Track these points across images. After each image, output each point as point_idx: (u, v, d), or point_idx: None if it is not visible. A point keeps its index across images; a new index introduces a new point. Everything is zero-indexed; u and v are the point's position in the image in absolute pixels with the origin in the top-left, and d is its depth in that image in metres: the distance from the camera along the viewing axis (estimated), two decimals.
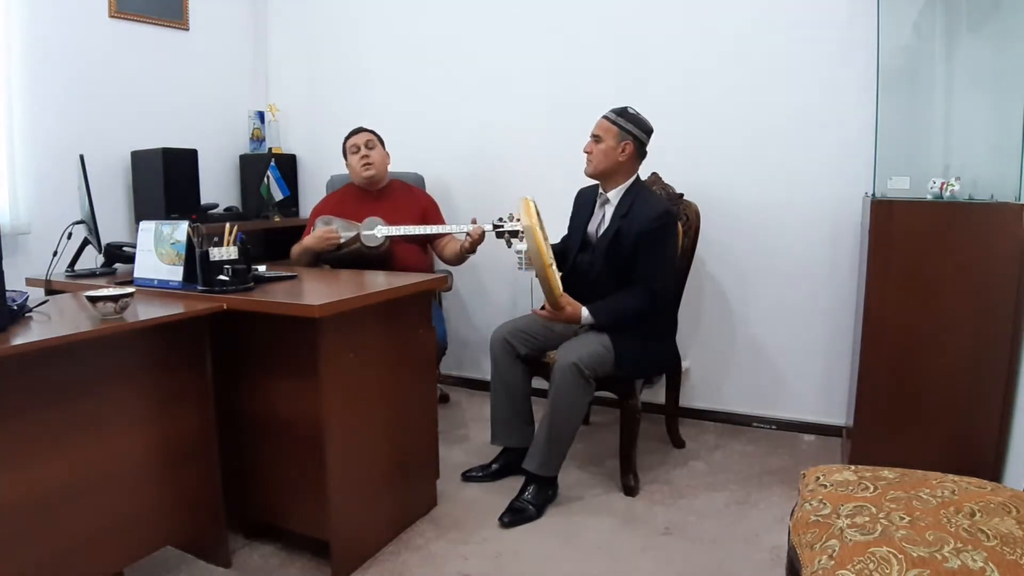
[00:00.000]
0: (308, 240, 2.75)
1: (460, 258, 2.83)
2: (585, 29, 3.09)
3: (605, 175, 2.38)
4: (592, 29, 3.08)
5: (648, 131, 2.37)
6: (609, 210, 2.40)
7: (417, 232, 2.73)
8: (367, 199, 2.89)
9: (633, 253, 2.29)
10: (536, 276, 2.22)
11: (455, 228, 2.75)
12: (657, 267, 2.30)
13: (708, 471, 2.56)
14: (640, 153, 2.37)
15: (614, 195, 2.39)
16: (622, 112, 2.35)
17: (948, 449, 2.13)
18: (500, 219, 2.63)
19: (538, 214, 2.24)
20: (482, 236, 2.67)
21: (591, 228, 2.46)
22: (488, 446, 2.55)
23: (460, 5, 3.35)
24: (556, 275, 2.25)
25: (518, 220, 2.60)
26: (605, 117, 2.37)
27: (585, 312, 2.28)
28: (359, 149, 2.85)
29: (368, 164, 2.84)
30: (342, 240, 2.70)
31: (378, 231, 2.71)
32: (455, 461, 2.60)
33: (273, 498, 2.00)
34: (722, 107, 2.88)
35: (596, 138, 2.36)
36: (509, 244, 2.64)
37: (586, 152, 2.38)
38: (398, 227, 2.71)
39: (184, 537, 1.93)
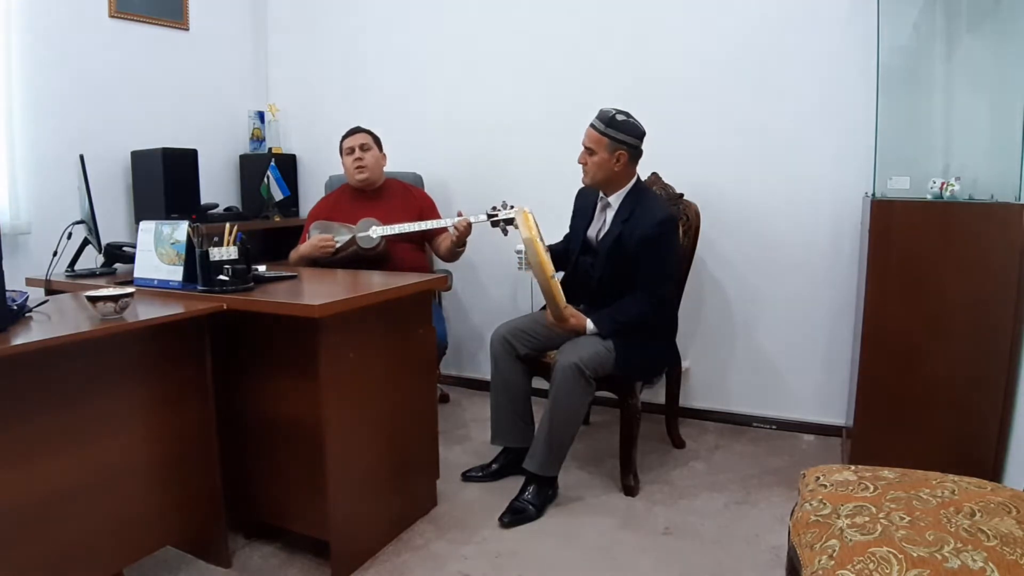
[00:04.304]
0: (304, 248, 2.76)
1: (452, 254, 2.83)
2: (585, 29, 3.09)
3: (603, 184, 2.37)
4: (592, 30, 3.08)
5: (640, 135, 2.31)
6: (610, 214, 2.39)
7: (411, 229, 2.72)
8: (363, 200, 2.89)
9: (635, 258, 2.28)
10: (540, 288, 2.21)
11: (447, 221, 2.74)
12: (660, 273, 2.30)
13: (708, 471, 2.56)
14: (635, 157, 2.34)
15: (615, 199, 2.38)
16: (610, 122, 2.26)
17: (948, 449, 2.13)
18: (494, 208, 2.62)
19: (537, 226, 2.23)
20: (468, 228, 2.67)
21: (591, 232, 2.46)
22: (488, 446, 2.56)
23: (460, 6, 3.35)
24: (559, 287, 2.25)
25: (512, 208, 2.60)
26: (593, 127, 2.29)
27: (590, 324, 2.28)
28: (353, 151, 2.85)
29: (361, 167, 2.84)
30: (338, 245, 2.70)
31: (373, 232, 2.71)
32: (455, 461, 2.60)
33: (273, 498, 2.00)
34: (722, 107, 2.88)
35: (588, 150, 2.31)
36: (505, 232, 2.64)
37: (580, 163, 2.35)
38: (392, 226, 2.71)
39: (184, 537, 1.93)
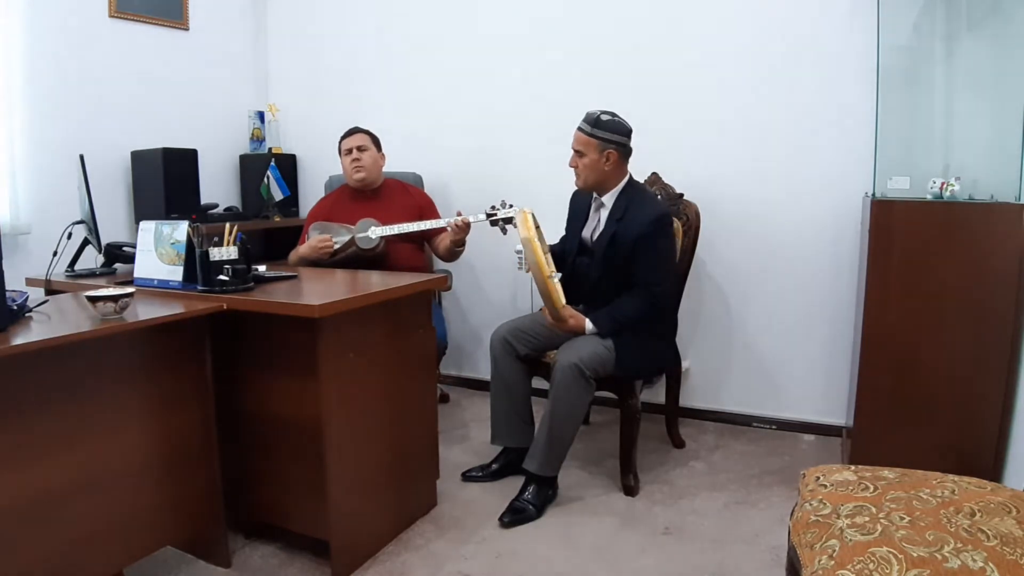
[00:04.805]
0: (303, 249, 2.76)
1: (452, 253, 2.83)
2: (584, 29, 3.09)
3: (596, 185, 2.37)
4: (591, 29, 3.08)
5: (627, 133, 2.32)
6: (604, 214, 2.39)
7: (409, 229, 2.72)
8: (362, 200, 2.89)
9: (631, 256, 2.28)
10: (538, 288, 2.21)
11: (444, 221, 2.74)
12: (656, 270, 2.30)
13: (708, 471, 2.56)
14: (625, 155, 2.34)
15: (608, 198, 2.38)
16: (596, 122, 2.28)
17: (948, 449, 2.14)
18: (493, 207, 2.62)
19: (536, 226, 2.23)
20: (467, 227, 2.67)
21: (586, 232, 2.46)
22: (488, 446, 2.56)
23: (459, 5, 3.35)
24: (558, 287, 2.25)
25: (511, 207, 2.60)
26: (580, 130, 2.31)
27: (589, 324, 2.28)
28: (351, 151, 2.85)
29: (359, 167, 2.84)
30: (336, 246, 2.70)
31: (372, 232, 2.71)
32: (455, 461, 2.60)
33: (273, 498, 2.00)
34: (722, 107, 2.88)
35: (578, 153, 2.32)
36: (504, 231, 2.64)
37: (572, 167, 2.36)
38: (391, 226, 2.71)
39: (184, 537, 1.93)
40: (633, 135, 2.34)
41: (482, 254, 3.30)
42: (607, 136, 2.28)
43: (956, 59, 2.35)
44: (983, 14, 2.32)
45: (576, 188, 2.50)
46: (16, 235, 2.78)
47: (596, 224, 2.42)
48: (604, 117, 2.29)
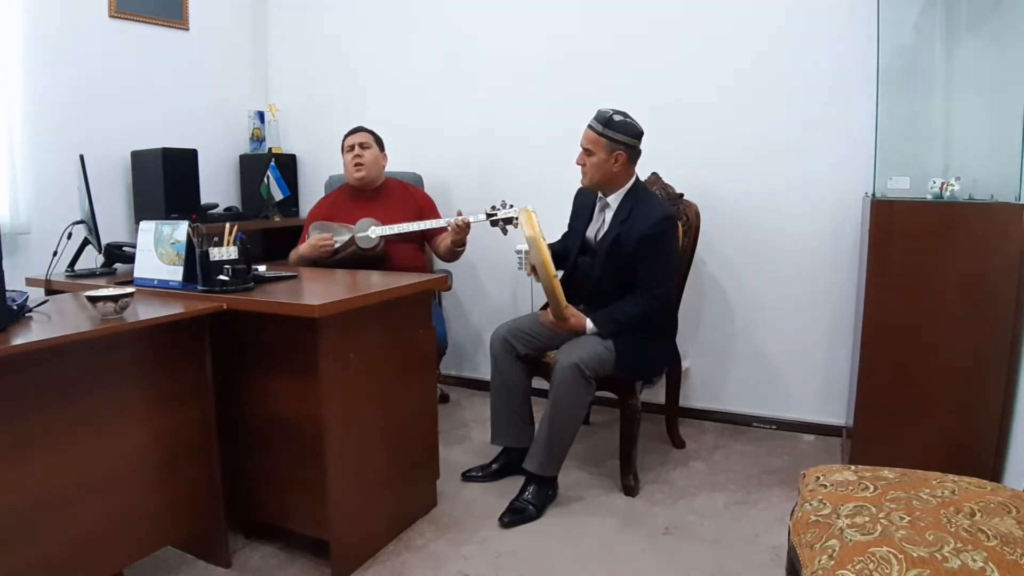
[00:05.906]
0: (303, 248, 2.76)
1: (452, 254, 2.83)
2: (586, 28, 3.09)
3: (602, 185, 2.36)
4: (592, 28, 3.08)
5: (638, 135, 2.30)
6: (609, 214, 2.38)
7: (409, 229, 2.72)
8: (362, 199, 2.89)
9: (634, 257, 2.28)
10: (542, 287, 2.21)
11: (444, 221, 2.74)
12: (658, 272, 2.30)
13: (708, 471, 2.56)
14: (633, 158, 2.34)
15: (614, 199, 2.37)
16: (608, 122, 2.27)
17: (948, 449, 2.14)
18: (493, 207, 2.62)
19: (539, 224, 2.23)
20: (467, 227, 2.67)
21: (590, 232, 2.45)
22: (488, 446, 2.56)
23: (460, 6, 3.35)
24: (561, 287, 2.25)
25: (511, 207, 2.60)
26: (591, 128, 2.29)
27: (589, 324, 2.28)
28: (353, 149, 2.85)
29: (360, 165, 2.84)
30: (336, 246, 2.71)
31: (372, 232, 2.71)
32: (455, 461, 2.60)
33: (273, 498, 2.00)
34: (723, 107, 2.87)
35: (587, 151, 2.31)
36: (504, 232, 2.64)
37: (579, 164, 2.35)
38: (391, 226, 2.71)
39: (184, 537, 1.93)
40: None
41: (482, 254, 3.30)
42: (617, 137, 2.27)
43: (956, 59, 2.35)
44: (983, 14, 2.32)
45: (581, 186, 2.50)
46: (16, 235, 2.78)
47: (600, 224, 2.42)
48: (616, 117, 2.28)
